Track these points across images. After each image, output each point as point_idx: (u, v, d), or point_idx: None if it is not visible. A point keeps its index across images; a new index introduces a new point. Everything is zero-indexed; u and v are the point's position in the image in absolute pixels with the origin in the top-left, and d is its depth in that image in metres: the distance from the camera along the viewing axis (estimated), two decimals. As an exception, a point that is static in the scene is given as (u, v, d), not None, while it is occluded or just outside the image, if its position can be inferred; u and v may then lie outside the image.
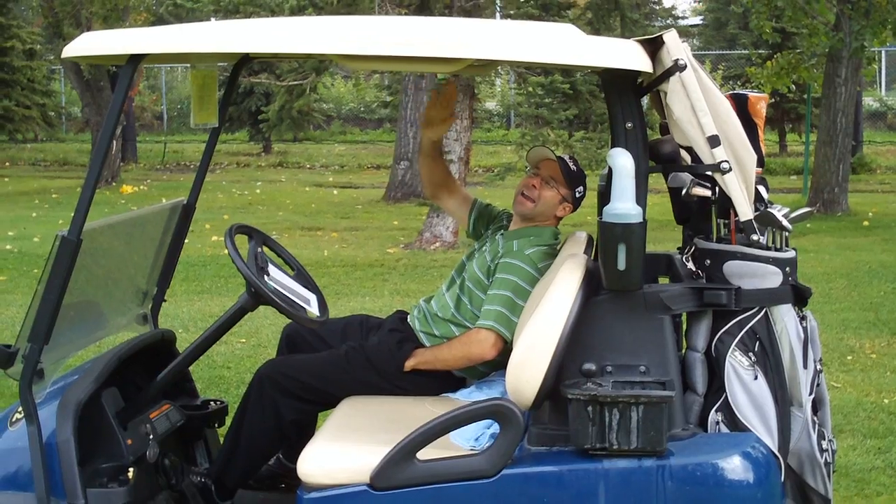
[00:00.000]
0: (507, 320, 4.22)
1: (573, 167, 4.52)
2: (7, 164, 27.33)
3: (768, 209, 3.61)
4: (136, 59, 3.51)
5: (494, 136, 29.87)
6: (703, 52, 33.32)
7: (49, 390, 3.77)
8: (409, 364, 4.39)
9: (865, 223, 16.13)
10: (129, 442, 3.86)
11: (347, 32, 3.49)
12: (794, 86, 19.81)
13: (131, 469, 3.79)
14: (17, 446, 3.70)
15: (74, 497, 3.62)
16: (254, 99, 27.61)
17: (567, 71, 15.24)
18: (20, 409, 3.69)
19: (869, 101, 30.87)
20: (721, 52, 33.49)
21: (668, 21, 31.58)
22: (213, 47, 3.52)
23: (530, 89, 15.54)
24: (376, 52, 3.42)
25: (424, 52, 3.41)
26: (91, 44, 3.52)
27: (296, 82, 15.88)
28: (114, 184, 21.04)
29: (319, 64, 14.59)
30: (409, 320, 4.61)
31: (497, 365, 4.30)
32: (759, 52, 23.38)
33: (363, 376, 4.37)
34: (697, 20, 40.89)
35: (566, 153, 14.63)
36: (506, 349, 4.09)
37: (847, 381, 7.63)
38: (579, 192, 4.53)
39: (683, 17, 41.20)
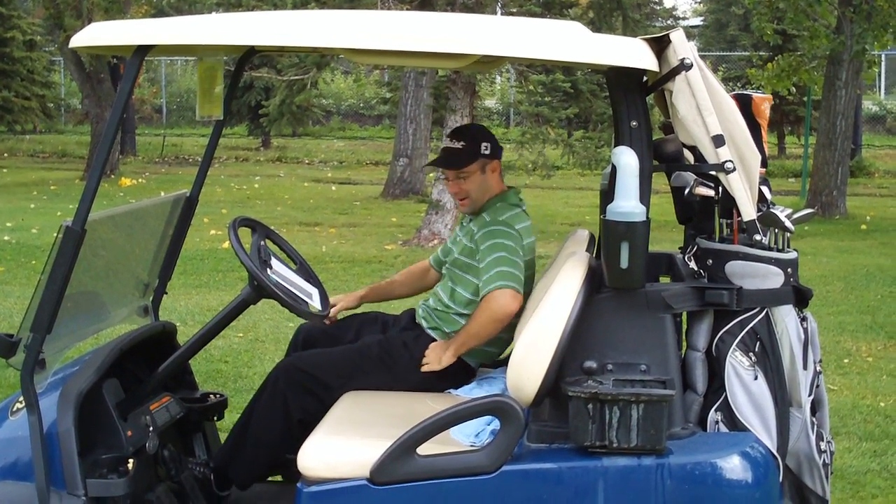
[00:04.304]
0: (510, 275, 4.22)
1: (456, 145, 4.55)
2: (6, 155, 27.32)
3: (771, 210, 3.61)
4: (143, 51, 3.50)
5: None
6: (703, 54, 33.32)
7: (50, 380, 3.76)
8: (449, 354, 4.33)
9: (863, 227, 16.15)
10: (129, 433, 3.85)
11: (355, 26, 3.49)
12: (794, 88, 19.81)
13: (131, 460, 3.79)
14: (17, 436, 3.69)
15: (74, 487, 3.61)
16: (254, 93, 27.58)
17: (568, 69, 15.22)
18: (21, 398, 3.68)
19: (868, 105, 30.93)
20: (722, 53, 33.54)
21: (668, 21, 31.63)
22: (220, 39, 3.50)
23: (531, 87, 15.52)
24: (383, 46, 3.42)
25: (432, 47, 3.41)
26: (99, 34, 3.52)
27: (296, 77, 15.84)
28: (112, 176, 20.99)
29: (321, 59, 14.57)
30: (416, 321, 4.61)
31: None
32: (760, 53, 23.40)
33: (376, 371, 4.36)
34: (698, 21, 40.98)
35: (566, 150, 14.68)
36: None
37: (843, 384, 7.65)
38: (485, 147, 4.54)
39: (684, 18, 41.29)
